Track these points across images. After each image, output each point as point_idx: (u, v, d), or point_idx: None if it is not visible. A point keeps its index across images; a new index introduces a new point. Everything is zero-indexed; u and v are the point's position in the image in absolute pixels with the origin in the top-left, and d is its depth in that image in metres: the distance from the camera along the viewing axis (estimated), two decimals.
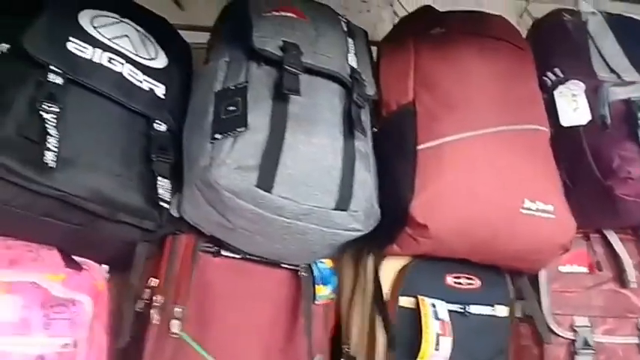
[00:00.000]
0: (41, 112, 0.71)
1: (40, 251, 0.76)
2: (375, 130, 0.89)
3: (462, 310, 0.85)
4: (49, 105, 0.71)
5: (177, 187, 0.79)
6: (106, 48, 0.80)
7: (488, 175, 0.83)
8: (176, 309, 0.78)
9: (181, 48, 0.94)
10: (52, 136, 0.70)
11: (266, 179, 0.73)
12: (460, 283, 0.87)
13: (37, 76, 0.73)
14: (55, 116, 0.71)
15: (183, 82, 0.88)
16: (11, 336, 0.68)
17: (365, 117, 0.86)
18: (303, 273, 0.85)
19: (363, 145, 0.83)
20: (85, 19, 0.82)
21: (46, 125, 0.70)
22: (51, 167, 0.69)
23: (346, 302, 0.92)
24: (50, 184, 0.70)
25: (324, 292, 0.87)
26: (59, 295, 0.72)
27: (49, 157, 0.69)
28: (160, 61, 0.87)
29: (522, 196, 0.83)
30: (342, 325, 0.92)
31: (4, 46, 0.80)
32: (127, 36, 0.84)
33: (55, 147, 0.70)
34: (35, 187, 0.69)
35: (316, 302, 0.86)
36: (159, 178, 0.78)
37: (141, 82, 0.82)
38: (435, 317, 0.82)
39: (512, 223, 0.83)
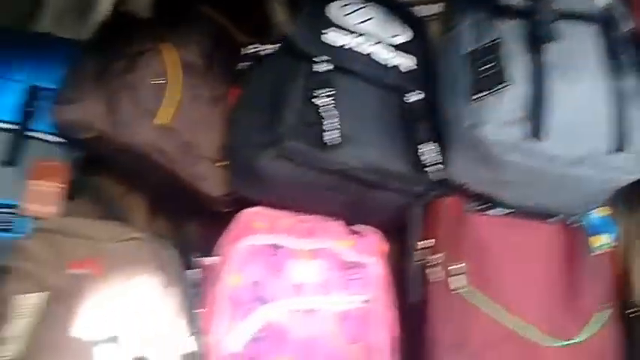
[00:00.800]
0: (315, 99, 0.79)
1: (326, 222, 0.84)
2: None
3: None
4: (324, 91, 0.79)
5: (439, 151, 0.83)
6: (356, 32, 0.87)
7: None
8: (455, 266, 0.80)
9: (417, 20, 0.98)
10: (330, 117, 0.78)
11: (534, 131, 0.73)
12: None
13: (306, 68, 0.82)
14: (332, 99, 0.78)
15: (428, 51, 0.92)
16: (318, 295, 0.77)
17: (628, 53, 0.80)
18: (575, 224, 0.83)
19: (632, 83, 0.77)
20: (334, 9, 0.89)
21: (323, 109, 0.78)
22: (332, 145, 0.77)
23: (624, 252, 0.87)
24: (333, 160, 0.77)
25: (600, 242, 0.84)
26: (351, 259, 0.81)
27: (330, 137, 0.77)
28: (406, 36, 0.91)
29: None
30: (624, 276, 0.87)
31: (272, 46, 0.92)
32: (372, 18, 0.90)
33: (336, 127, 0.77)
34: (321, 164, 0.78)
35: (592, 253, 0.83)
36: (421, 144, 0.82)
37: (392, 57, 0.87)
38: None
39: None
